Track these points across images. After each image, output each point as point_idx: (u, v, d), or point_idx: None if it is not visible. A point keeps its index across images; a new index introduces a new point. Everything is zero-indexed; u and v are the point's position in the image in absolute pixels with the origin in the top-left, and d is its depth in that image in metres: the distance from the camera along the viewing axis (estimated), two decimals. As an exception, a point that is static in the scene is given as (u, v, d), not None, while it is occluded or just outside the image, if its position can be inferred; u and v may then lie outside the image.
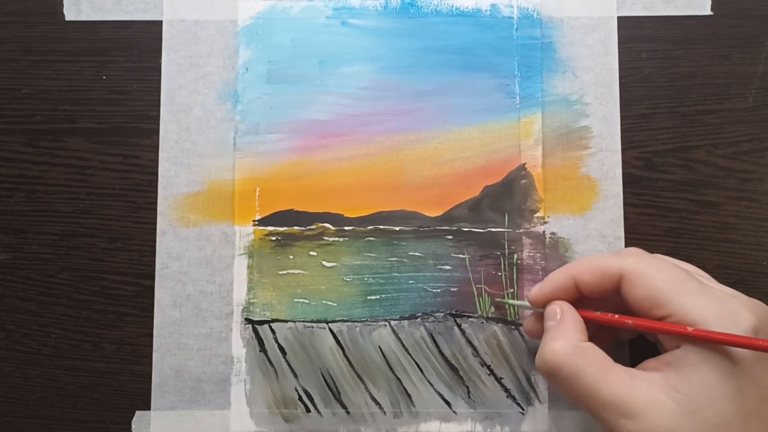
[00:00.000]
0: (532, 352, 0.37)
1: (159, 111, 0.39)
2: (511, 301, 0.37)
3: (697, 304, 0.28)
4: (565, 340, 0.30)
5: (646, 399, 0.28)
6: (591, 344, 0.30)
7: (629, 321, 0.30)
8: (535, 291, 0.33)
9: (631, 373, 0.29)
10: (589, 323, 0.32)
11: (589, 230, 0.38)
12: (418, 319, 0.37)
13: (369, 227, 0.38)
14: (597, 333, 0.34)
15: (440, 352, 0.37)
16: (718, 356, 0.28)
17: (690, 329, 0.28)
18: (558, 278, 0.33)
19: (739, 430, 0.27)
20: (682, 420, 0.27)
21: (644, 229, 0.38)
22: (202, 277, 0.38)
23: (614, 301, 0.32)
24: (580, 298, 0.33)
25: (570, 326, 0.31)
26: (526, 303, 0.34)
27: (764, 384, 0.28)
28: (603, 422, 0.29)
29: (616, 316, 0.31)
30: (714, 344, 0.28)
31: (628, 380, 0.29)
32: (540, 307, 0.33)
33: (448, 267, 0.38)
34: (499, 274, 0.37)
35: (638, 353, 0.37)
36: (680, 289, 0.29)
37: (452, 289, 0.37)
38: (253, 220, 0.38)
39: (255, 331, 0.37)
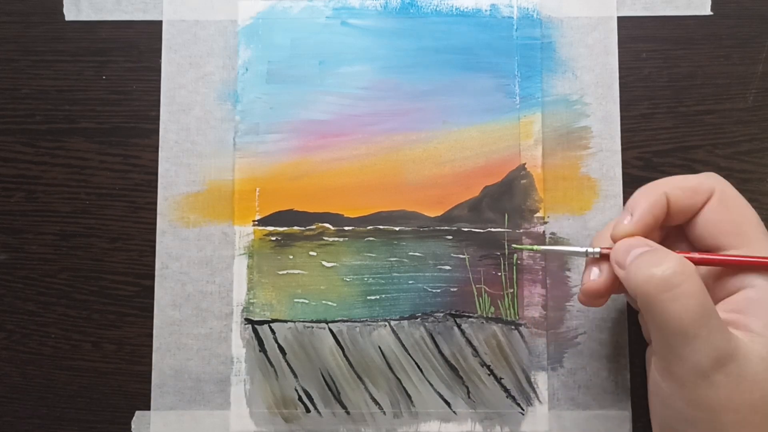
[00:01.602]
0: (532, 352, 0.37)
1: (159, 111, 0.39)
2: (551, 248, 0.34)
3: None
4: (680, 257, 0.27)
5: (738, 343, 0.26)
6: None
7: (734, 257, 0.28)
8: (627, 223, 0.29)
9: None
10: None
11: (589, 230, 0.38)
12: (418, 319, 0.37)
13: (369, 227, 0.38)
14: None
15: (440, 352, 0.37)
16: None
17: None
18: (651, 198, 0.29)
19: None
20: None
21: (644, 229, 0.38)
22: (202, 277, 0.38)
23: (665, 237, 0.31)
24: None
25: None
26: (578, 249, 0.31)
27: None
28: (696, 359, 0.26)
29: (696, 255, 0.29)
30: None
31: (721, 321, 0.26)
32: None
33: (447, 267, 0.38)
34: (499, 274, 0.37)
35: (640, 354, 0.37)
36: (762, 228, 0.29)
37: (452, 289, 0.37)
38: (253, 220, 0.38)
39: (255, 331, 0.37)
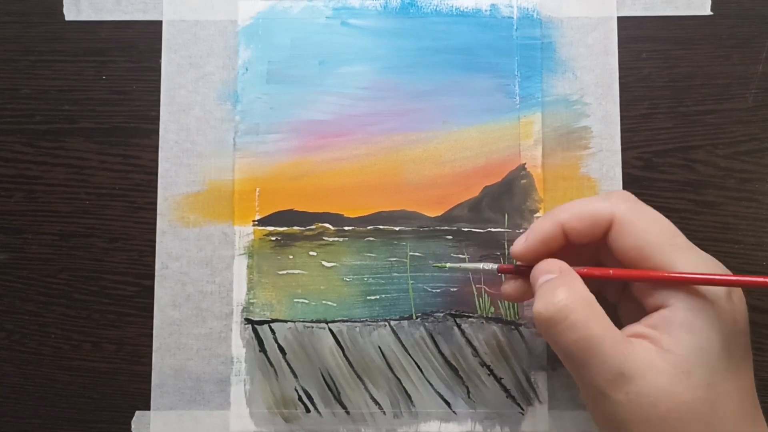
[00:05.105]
0: (533, 351, 0.37)
1: (159, 111, 0.39)
2: (459, 265, 0.35)
3: (685, 260, 0.28)
4: (575, 288, 0.29)
5: (643, 361, 0.27)
6: (595, 299, 0.29)
7: (633, 273, 0.29)
8: (520, 244, 0.31)
9: (625, 336, 0.28)
10: None
11: (589, 230, 0.37)
12: (418, 319, 0.37)
13: (369, 227, 0.38)
14: None
15: (440, 352, 0.37)
16: (706, 313, 0.28)
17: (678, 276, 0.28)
18: (545, 227, 0.31)
19: (730, 385, 0.28)
20: (677, 382, 0.27)
21: (644, 229, 0.38)
22: (202, 277, 0.38)
23: (593, 250, 0.32)
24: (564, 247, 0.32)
25: (576, 278, 0.29)
26: (479, 266, 0.34)
27: (745, 334, 0.29)
28: (596, 381, 0.28)
29: (611, 271, 0.30)
30: (701, 298, 0.28)
31: (626, 341, 0.28)
32: (525, 263, 0.32)
33: (448, 267, 0.38)
34: (499, 274, 0.37)
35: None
36: (671, 243, 0.29)
37: (452, 290, 0.37)
38: (253, 220, 0.38)
39: (255, 331, 0.37)
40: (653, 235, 0.29)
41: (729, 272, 0.29)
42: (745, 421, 0.28)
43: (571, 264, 0.31)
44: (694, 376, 0.27)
